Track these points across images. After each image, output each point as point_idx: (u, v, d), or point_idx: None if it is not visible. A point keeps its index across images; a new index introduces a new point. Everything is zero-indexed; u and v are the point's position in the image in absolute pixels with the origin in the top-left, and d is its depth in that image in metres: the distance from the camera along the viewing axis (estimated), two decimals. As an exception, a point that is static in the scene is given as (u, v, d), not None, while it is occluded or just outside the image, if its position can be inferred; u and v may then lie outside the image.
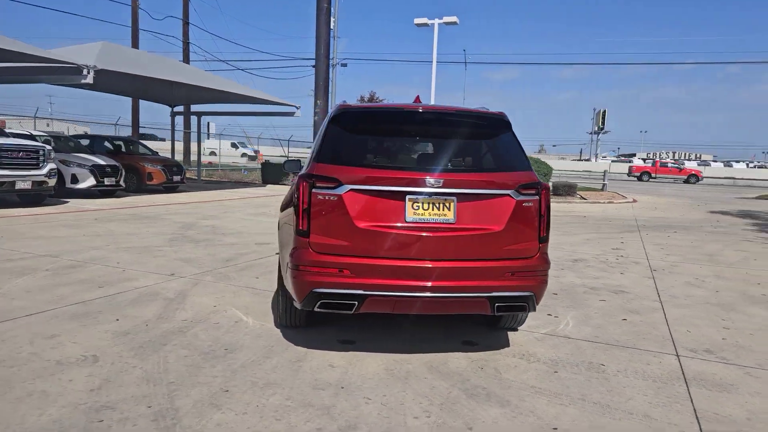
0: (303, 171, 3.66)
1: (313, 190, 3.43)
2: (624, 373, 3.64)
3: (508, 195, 3.50)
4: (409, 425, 2.81)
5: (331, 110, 3.89)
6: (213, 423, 2.74)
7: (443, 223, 3.40)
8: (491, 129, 3.76)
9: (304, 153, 28.21)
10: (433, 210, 3.40)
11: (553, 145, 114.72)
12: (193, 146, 26.26)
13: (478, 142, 3.76)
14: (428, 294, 3.38)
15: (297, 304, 3.61)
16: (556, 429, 2.84)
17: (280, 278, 4.06)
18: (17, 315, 4.26)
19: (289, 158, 6.46)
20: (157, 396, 3.01)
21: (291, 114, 20.12)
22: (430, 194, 3.40)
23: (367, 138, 3.77)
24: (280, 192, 18.13)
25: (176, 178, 16.56)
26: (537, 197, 3.56)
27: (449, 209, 3.41)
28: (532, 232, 3.55)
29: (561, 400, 3.19)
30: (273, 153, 33.84)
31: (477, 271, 3.43)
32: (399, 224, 3.40)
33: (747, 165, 77.90)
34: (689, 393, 3.36)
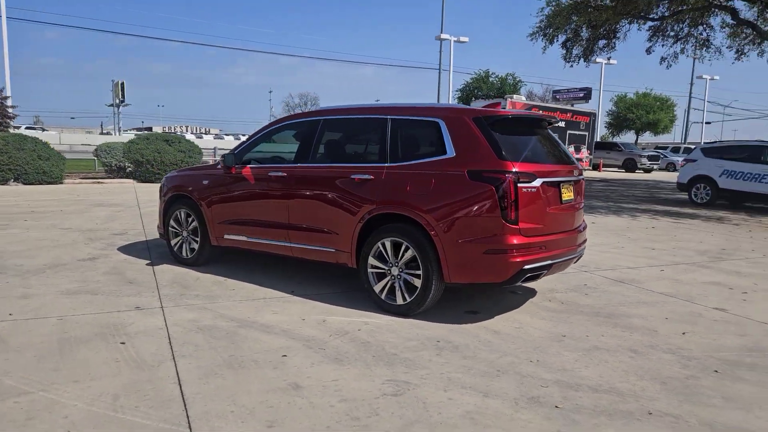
0: (489, 167, 4.15)
1: (519, 185, 4.09)
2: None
3: (582, 179, 5.01)
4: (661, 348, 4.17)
5: (477, 114, 4.39)
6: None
7: (570, 201, 4.66)
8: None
9: None
10: (567, 193, 4.61)
11: (72, 117, 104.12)
12: None
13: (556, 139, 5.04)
14: (575, 254, 4.63)
15: (497, 283, 4.20)
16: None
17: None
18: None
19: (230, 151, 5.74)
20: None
21: None
22: (568, 182, 4.60)
23: (523, 139, 4.48)
24: None
25: None
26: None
27: (571, 192, 4.68)
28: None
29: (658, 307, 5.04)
30: None
31: (584, 233, 4.86)
32: (560, 206, 4.47)
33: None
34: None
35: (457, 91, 36.87)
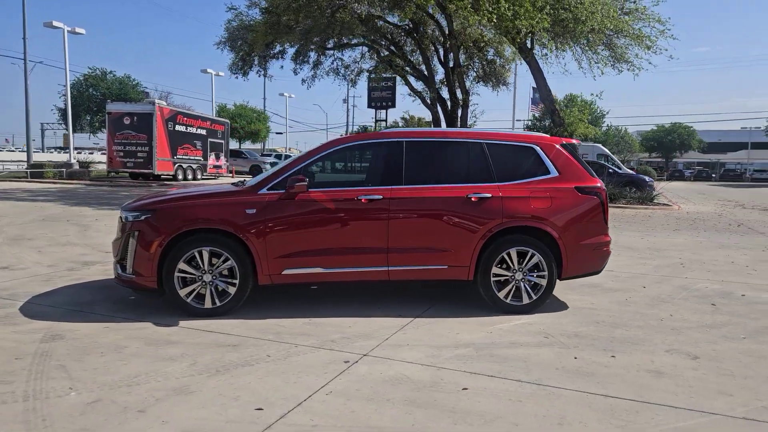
0: (591, 183, 5.35)
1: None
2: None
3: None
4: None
5: (560, 141, 5.47)
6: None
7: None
8: None
9: None
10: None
11: None
12: None
13: None
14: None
15: (595, 273, 5.50)
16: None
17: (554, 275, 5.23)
18: None
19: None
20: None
21: None
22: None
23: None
24: None
25: None
26: None
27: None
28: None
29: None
30: None
31: None
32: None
33: None
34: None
35: (62, 87, 31.81)
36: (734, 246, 10.11)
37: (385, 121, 60.37)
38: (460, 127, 22.22)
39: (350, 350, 4.13)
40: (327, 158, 5.29)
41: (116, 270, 5.13)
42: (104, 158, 38.60)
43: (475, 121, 35.09)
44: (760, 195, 29.77)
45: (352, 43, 20.84)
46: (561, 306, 5.57)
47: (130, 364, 3.76)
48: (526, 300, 5.23)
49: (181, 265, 4.85)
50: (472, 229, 5.13)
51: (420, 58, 22.91)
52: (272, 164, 36.95)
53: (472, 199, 5.15)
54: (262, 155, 40.75)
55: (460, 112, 22.09)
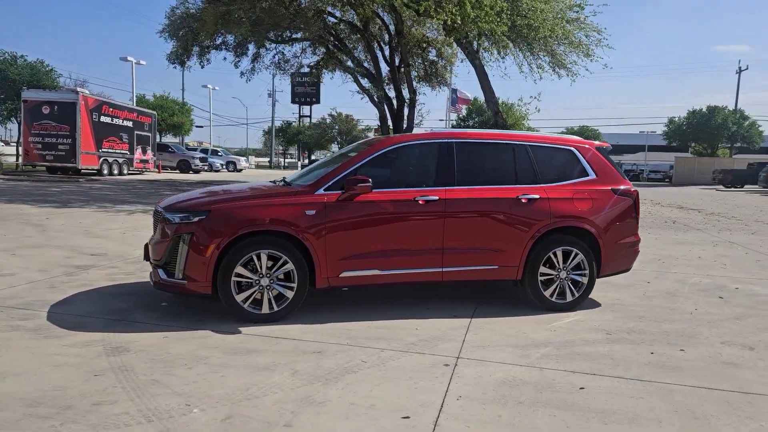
0: (625, 185, 5.61)
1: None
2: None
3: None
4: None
5: (594, 144, 5.69)
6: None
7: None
8: None
9: None
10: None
11: None
12: None
13: None
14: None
15: (626, 271, 5.77)
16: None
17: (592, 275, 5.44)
18: None
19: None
20: (726, 320, 5.29)
21: None
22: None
23: (611, 162, 5.88)
24: None
25: None
26: None
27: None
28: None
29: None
30: None
31: None
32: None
33: None
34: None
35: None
36: (688, 242, 10.94)
37: (310, 117, 59.82)
38: (407, 126, 22.40)
39: (439, 353, 4.09)
40: (381, 158, 5.19)
41: (158, 275, 4.76)
42: (8, 150, 35.41)
43: (421, 121, 35.48)
44: (666, 194, 32.24)
45: (298, 37, 20.41)
46: (593, 303, 5.79)
47: (229, 376, 3.51)
48: (569, 298, 5.40)
49: (239, 269, 4.59)
50: (523, 230, 5.23)
51: (363, 56, 22.84)
52: (201, 159, 35.45)
53: (522, 200, 5.25)
54: (189, 149, 38.97)
55: (407, 111, 22.24)
